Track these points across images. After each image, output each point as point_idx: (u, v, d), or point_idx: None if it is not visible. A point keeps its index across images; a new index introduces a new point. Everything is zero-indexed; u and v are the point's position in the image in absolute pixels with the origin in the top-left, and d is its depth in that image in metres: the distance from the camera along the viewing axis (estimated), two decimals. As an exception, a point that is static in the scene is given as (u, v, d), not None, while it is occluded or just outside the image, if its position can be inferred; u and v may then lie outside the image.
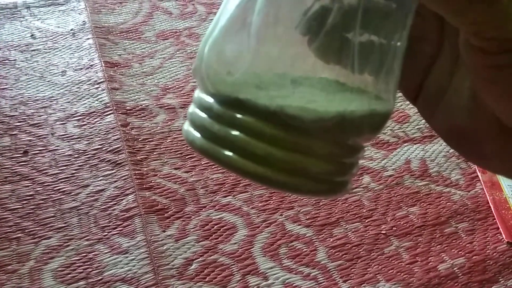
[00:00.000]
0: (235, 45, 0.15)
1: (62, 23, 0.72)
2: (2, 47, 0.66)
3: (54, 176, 0.49)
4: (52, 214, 0.45)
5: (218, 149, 0.16)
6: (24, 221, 0.44)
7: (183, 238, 0.44)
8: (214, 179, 0.50)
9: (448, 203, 0.50)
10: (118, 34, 0.71)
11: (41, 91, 0.59)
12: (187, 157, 0.52)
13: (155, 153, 0.52)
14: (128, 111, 0.57)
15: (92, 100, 0.58)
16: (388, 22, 0.15)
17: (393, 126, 0.59)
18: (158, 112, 0.58)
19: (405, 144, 0.57)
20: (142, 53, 0.68)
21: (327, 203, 0.49)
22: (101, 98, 0.59)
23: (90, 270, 0.41)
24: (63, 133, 0.54)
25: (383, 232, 0.46)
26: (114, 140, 0.53)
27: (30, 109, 0.56)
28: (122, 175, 0.49)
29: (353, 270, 0.43)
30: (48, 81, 0.61)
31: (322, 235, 0.46)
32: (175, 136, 0.54)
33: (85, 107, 0.57)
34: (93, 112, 0.57)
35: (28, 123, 0.54)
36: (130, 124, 0.55)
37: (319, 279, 0.42)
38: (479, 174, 0.53)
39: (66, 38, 0.69)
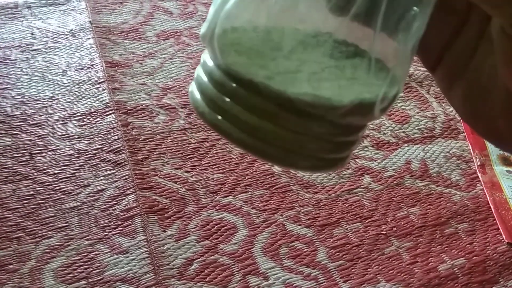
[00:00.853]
0: (251, 10, 0.16)
1: (63, 22, 0.72)
2: (3, 47, 0.66)
3: (55, 175, 0.49)
4: (53, 214, 0.45)
5: (224, 122, 0.16)
6: (24, 220, 0.44)
7: (183, 238, 0.44)
8: (215, 179, 0.50)
9: (448, 204, 0.50)
10: (119, 34, 0.71)
11: (42, 91, 0.59)
12: (187, 157, 0.52)
13: (155, 153, 0.52)
14: (128, 111, 0.57)
15: (92, 100, 0.58)
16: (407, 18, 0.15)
17: (394, 127, 0.59)
18: (159, 112, 0.58)
19: (406, 145, 0.57)
20: (143, 53, 0.68)
21: (328, 204, 0.49)
22: (101, 98, 0.59)
23: (91, 270, 0.41)
24: (64, 133, 0.54)
25: (383, 232, 0.47)
26: (114, 140, 0.53)
27: (31, 108, 0.56)
28: (123, 175, 0.49)
29: (353, 270, 0.43)
30: (49, 80, 0.61)
31: (322, 235, 0.46)
32: (176, 136, 0.55)
33: (86, 107, 0.57)
34: (94, 112, 0.57)
35: (29, 122, 0.55)
36: (131, 124, 0.55)
37: (319, 279, 0.42)
38: (479, 174, 0.53)
39: (67, 37, 0.69)
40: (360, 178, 0.52)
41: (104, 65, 0.64)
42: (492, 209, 0.49)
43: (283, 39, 0.16)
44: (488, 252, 0.46)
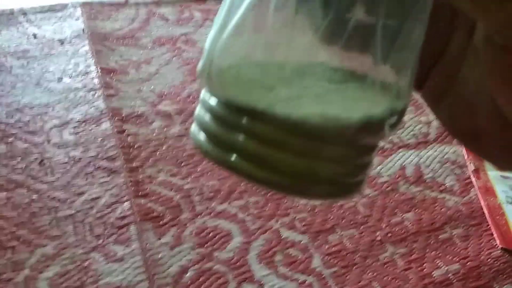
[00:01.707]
0: (246, 46, 0.15)
1: (58, 29, 0.73)
2: (-2, 54, 0.66)
3: (50, 183, 0.49)
4: (48, 222, 0.45)
5: (227, 155, 0.15)
6: (19, 229, 0.44)
7: (178, 245, 0.44)
8: (210, 186, 0.50)
9: (442, 209, 0.50)
10: (115, 40, 0.71)
11: (37, 98, 0.59)
12: (182, 164, 0.52)
13: (150, 160, 0.52)
14: (124, 118, 0.57)
15: (88, 107, 0.58)
16: (402, 35, 0.15)
17: (388, 132, 0.59)
18: (154, 119, 0.58)
19: (400, 150, 0.57)
20: (139, 59, 0.68)
21: (323, 209, 0.49)
22: (97, 105, 0.59)
23: (85, 278, 0.41)
24: (59, 140, 0.54)
25: (378, 238, 0.47)
26: (110, 147, 0.53)
27: (26, 116, 0.56)
28: (118, 182, 0.49)
29: (348, 277, 0.43)
30: (44, 87, 0.61)
31: (317, 242, 0.46)
32: (171, 143, 0.55)
33: (81, 114, 0.57)
34: (89, 119, 0.57)
35: (24, 130, 0.55)
36: (126, 131, 0.55)
37: (314, 286, 0.42)
38: (473, 179, 0.53)
39: (62, 44, 0.69)
40: (355, 184, 0.52)
41: (99, 71, 0.64)
42: (486, 214, 0.49)
43: (280, 70, 0.16)
44: (482, 257, 0.46)
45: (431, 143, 0.58)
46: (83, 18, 0.75)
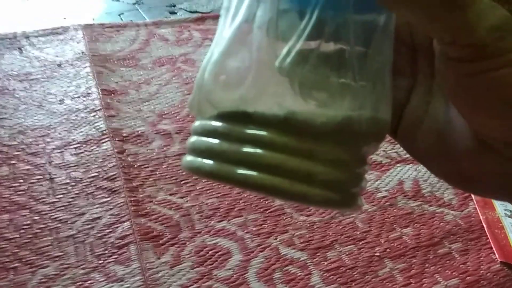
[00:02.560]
0: (236, 63, 0.16)
1: (60, 52, 0.74)
2: (2, 77, 0.68)
3: (51, 204, 0.49)
4: (49, 243, 0.46)
5: (230, 168, 0.15)
6: (21, 250, 0.45)
7: (178, 264, 0.44)
8: (209, 204, 0.50)
9: (441, 224, 0.50)
10: (115, 62, 0.73)
11: (40, 120, 0.60)
12: (182, 182, 0.53)
13: (150, 179, 0.53)
14: (124, 138, 0.58)
15: (89, 128, 0.59)
16: (369, 59, 0.16)
17: (386, 147, 0.60)
18: (154, 138, 0.59)
19: (398, 165, 0.57)
20: (139, 80, 0.69)
21: (321, 226, 0.49)
22: (98, 125, 0.60)
23: (86, 299, 0.41)
24: (60, 161, 0.54)
25: (377, 254, 0.47)
26: (110, 167, 0.54)
27: (29, 138, 0.57)
28: (118, 202, 0.50)
29: (347, 293, 0.43)
30: (47, 110, 0.62)
31: (316, 259, 0.46)
32: (171, 162, 0.55)
33: (82, 135, 0.58)
34: (90, 139, 0.58)
35: (26, 152, 0.55)
36: (126, 151, 0.56)
37: (313, 303, 0.42)
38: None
39: (64, 66, 0.71)
40: (353, 200, 0.52)
41: (100, 93, 0.65)
42: (485, 228, 0.50)
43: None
44: (481, 271, 0.46)
45: (429, 158, 0.58)
46: (85, 40, 0.77)
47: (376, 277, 0.45)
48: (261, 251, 0.46)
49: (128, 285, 0.42)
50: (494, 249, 0.48)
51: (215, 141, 0.16)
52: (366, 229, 0.49)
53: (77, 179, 0.52)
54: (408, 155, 0.58)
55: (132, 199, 0.50)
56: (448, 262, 0.46)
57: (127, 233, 0.47)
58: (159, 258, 0.45)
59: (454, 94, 0.16)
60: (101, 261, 0.44)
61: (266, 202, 0.51)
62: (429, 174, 0.56)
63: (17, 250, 0.45)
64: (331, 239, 0.48)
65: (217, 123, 0.16)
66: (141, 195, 0.51)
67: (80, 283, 0.42)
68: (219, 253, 0.46)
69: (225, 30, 0.16)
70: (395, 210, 0.51)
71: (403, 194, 0.53)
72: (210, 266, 0.44)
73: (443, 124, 0.17)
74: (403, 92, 0.19)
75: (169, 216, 0.49)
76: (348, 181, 0.16)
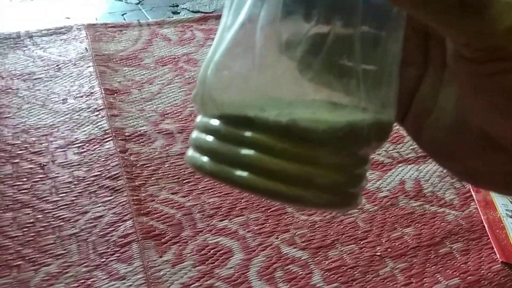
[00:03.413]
0: (239, 67, 0.16)
1: (63, 51, 0.75)
2: (5, 76, 0.68)
3: (54, 203, 0.50)
4: (52, 241, 0.46)
5: (229, 170, 0.16)
6: (24, 248, 0.45)
7: (179, 263, 0.44)
8: (211, 203, 0.51)
9: (442, 223, 0.50)
10: (118, 61, 0.73)
11: (43, 119, 0.61)
12: (184, 181, 0.53)
13: (153, 178, 0.53)
14: (127, 137, 0.58)
15: (92, 127, 0.60)
16: (380, 47, 0.16)
17: (388, 147, 0.60)
18: (157, 137, 0.59)
19: (400, 165, 0.57)
20: (142, 79, 0.70)
21: (323, 225, 0.49)
22: (100, 125, 0.60)
23: (89, 296, 0.42)
24: (63, 160, 0.55)
25: (378, 253, 0.47)
26: (113, 166, 0.54)
27: (32, 137, 0.58)
28: (121, 201, 0.50)
29: (348, 292, 0.43)
30: (50, 109, 0.63)
31: (317, 258, 0.46)
32: (173, 161, 0.56)
33: (85, 134, 0.59)
34: (93, 139, 0.58)
35: (29, 151, 0.56)
36: (129, 150, 0.57)
37: (314, 302, 0.42)
38: (473, 193, 0.54)
39: (67, 66, 0.71)
40: (355, 199, 0.52)
41: (103, 92, 0.66)
42: (486, 228, 0.50)
43: (270, 100, 0.16)
44: (482, 271, 0.46)
45: (430, 158, 0.58)
46: (88, 40, 0.77)
47: (377, 277, 0.45)
48: (263, 250, 0.46)
49: (130, 283, 0.43)
50: (495, 249, 0.48)
51: (216, 142, 0.16)
52: (368, 229, 0.49)
53: (80, 178, 0.53)
54: (409, 155, 0.59)
55: (134, 198, 0.50)
56: (449, 262, 0.47)
57: (130, 231, 0.47)
58: (161, 257, 0.45)
59: (465, 91, 0.15)
60: (104, 259, 0.44)
61: (268, 201, 0.51)
62: (430, 174, 0.56)
63: (20, 248, 0.45)
64: (332, 238, 0.48)
65: (219, 125, 0.16)
66: (143, 194, 0.51)
67: (82, 281, 0.43)
68: (221, 252, 0.46)
69: (227, 29, 0.16)
70: (396, 210, 0.52)
71: (404, 194, 0.53)
72: (211, 265, 0.45)
73: (451, 117, 0.17)
74: (413, 80, 0.18)
75: (171, 215, 0.49)
76: (348, 183, 0.16)
